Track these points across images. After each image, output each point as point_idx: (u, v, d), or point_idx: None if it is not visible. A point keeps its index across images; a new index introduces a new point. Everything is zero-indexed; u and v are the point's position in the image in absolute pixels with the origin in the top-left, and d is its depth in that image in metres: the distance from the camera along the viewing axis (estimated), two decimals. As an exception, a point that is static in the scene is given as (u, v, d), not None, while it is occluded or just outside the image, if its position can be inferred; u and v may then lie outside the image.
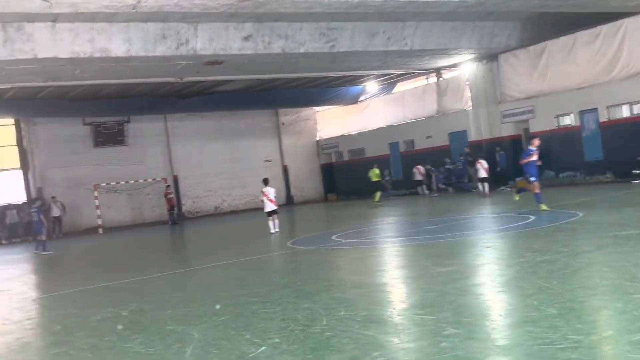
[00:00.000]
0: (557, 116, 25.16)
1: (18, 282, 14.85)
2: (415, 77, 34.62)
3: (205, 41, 20.62)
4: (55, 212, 31.24)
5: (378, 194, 28.01)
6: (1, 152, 32.61)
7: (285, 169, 39.45)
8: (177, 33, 20.12)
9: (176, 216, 32.82)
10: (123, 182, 34.05)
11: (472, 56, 27.87)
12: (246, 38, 21.16)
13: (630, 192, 18.69)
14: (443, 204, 23.91)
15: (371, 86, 36.35)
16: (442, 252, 11.14)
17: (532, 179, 15.77)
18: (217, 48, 20.90)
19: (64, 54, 19.04)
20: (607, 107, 23.35)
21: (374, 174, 28.59)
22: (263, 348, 5.93)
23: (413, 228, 16.97)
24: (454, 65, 29.99)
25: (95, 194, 32.55)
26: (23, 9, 16.53)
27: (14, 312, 10.20)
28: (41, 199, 24.17)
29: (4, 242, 30.45)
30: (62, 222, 31.68)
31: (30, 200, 24.35)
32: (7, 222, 30.98)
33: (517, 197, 17.79)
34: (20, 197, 32.04)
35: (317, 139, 40.51)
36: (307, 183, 40.04)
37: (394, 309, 7.31)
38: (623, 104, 22.94)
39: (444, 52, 26.10)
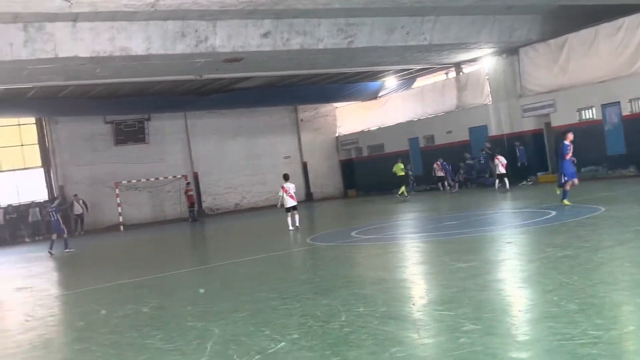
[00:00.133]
0: (579, 110, 24.90)
1: (41, 280, 15.04)
2: (434, 72, 34.49)
3: (224, 38, 20.69)
4: (77, 209, 31.65)
5: (403, 188, 27.98)
6: (24, 151, 33.05)
7: (304, 166, 39.48)
8: (196, 31, 20.21)
9: (196, 213, 32.99)
10: (144, 180, 34.28)
11: (491, 50, 27.65)
12: (265, 35, 21.19)
13: (653, 186, 18.46)
14: (463, 200, 23.79)
15: (390, 81, 36.22)
16: (462, 248, 11.08)
17: (565, 179, 15.08)
18: (236, 45, 20.95)
19: (84, 53, 19.22)
20: (630, 101, 23.05)
21: (399, 168, 28.55)
22: (282, 344, 5.95)
23: (433, 224, 16.90)
24: (474, 60, 29.78)
25: (117, 191, 32.86)
26: (44, 9, 16.72)
27: (37, 309, 10.32)
28: (58, 198, 24.36)
29: (27, 239, 30.86)
30: (83, 219, 32.03)
31: (49, 200, 24.55)
32: (29, 220, 31.42)
33: (566, 202, 15.36)
34: (43, 196, 32.45)
35: (337, 135, 40.47)
36: (327, 179, 40.03)
37: (413, 305, 7.29)
38: (646, 97, 22.67)
39: (463, 46, 25.93)
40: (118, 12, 17.83)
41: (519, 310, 6.40)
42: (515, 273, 8.40)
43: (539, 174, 27.27)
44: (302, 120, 39.75)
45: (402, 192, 27.63)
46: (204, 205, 36.36)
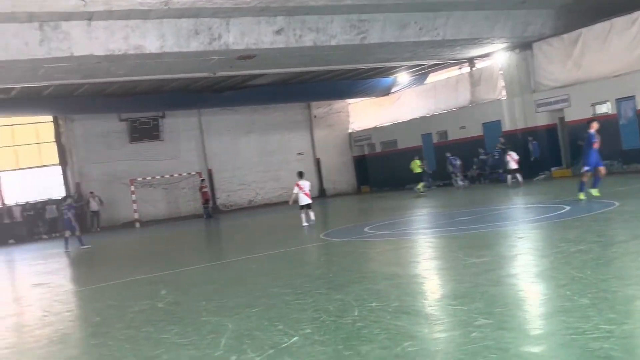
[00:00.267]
0: (593, 104, 24.74)
1: (58, 276, 15.24)
2: (447, 68, 34.37)
3: (237, 36, 20.77)
4: (94, 206, 31.96)
5: (421, 185, 28.02)
6: (41, 149, 33.38)
7: (317, 162, 39.54)
8: (210, 28, 20.30)
9: (211, 210, 33.14)
10: (159, 177, 34.52)
11: (505, 45, 27.54)
12: (277, 32, 21.25)
13: (669, 181, 18.33)
14: (476, 195, 23.74)
15: (403, 77, 36.17)
16: (475, 243, 11.08)
17: (586, 168, 14.98)
18: (249, 42, 21.03)
19: (99, 51, 19.37)
20: (645, 95, 22.92)
21: (416, 165, 28.64)
22: (295, 338, 6.01)
23: (445, 219, 16.90)
24: (487, 55, 29.67)
25: (132, 188, 33.11)
26: (59, 8, 16.90)
27: (54, 304, 10.47)
28: (74, 196, 24.57)
29: (44, 236, 31.20)
30: (99, 216, 32.33)
31: (62, 198, 24.75)
32: (47, 217, 31.74)
33: (596, 192, 15.14)
34: (60, 193, 32.76)
35: (350, 131, 40.48)
36: (340, 175, 40.08)
37: (426, 300, 7.33)
38: (661, 91, 22.51)
39: (476, 41, 25.84)
40: (132, 10, 17.98)
41: (531, 305, 6.44)
42: (528, 268, 8.41)
43: (552, 169, 27.16)
44: (315, 116, 39.80)
45: (420, 188, 27.72)
46: (218, 201, 36.54)
